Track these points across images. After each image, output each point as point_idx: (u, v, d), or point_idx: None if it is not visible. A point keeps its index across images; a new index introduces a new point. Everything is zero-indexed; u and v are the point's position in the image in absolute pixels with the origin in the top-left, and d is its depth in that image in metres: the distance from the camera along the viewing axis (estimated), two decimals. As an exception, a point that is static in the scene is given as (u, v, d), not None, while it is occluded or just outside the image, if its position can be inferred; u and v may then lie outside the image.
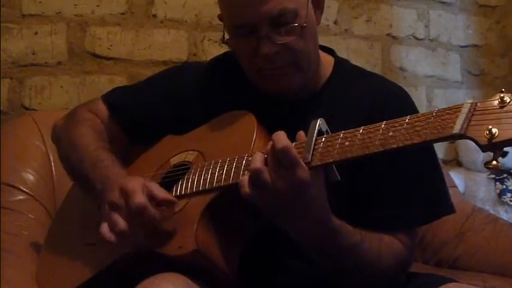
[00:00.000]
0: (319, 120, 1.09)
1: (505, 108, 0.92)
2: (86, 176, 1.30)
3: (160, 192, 1.18)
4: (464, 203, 2.21)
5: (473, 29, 2.85)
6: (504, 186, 2.52)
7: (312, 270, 1.26)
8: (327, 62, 1.37)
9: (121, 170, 1.28)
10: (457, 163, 2.73)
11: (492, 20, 2.90)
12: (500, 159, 0.93)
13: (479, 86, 2.85)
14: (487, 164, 0.93)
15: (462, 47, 2.82)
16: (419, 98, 2.65)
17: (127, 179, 1.21)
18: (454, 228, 2.09)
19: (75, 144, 1.37)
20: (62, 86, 2.04)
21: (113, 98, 1.46)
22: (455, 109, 0.96)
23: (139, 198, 1.15)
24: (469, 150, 2.58)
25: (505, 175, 2.54)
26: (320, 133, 1.08)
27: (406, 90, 1.37)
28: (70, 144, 1.39)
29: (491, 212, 2.34)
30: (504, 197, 2.50)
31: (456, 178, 2.46)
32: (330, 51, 1.40)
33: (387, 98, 1.31)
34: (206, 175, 1.20)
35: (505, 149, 0.94)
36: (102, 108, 1.45)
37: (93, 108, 1.46)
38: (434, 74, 2.74)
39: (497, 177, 2.54)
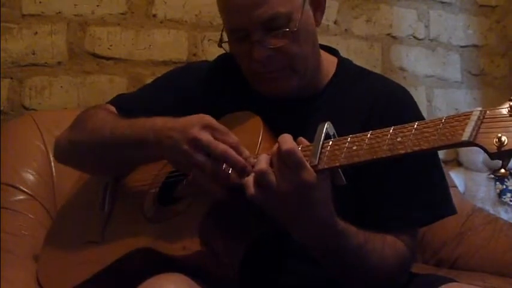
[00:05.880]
0: (326, 124, 1.08)
1: None
2: (127, 139, 1.24)
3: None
4: (464, 203, 2.21)
5: (473, 29, 2.84)
6: (504, 186, 2.52)
7: (314, 272, 1.26)
8: (330, 62, 1.36)
9: (164, 117, 1.21)
10: (457, 163, 2.72)
11: (492, 20, 2.90)
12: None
13: (479, 86, 2.84)
14: (495, 172, 0.94)
15: (462, 47, 2.82)
16: (419, 98, 2.64)
17: (196, 116, 1.16)
18: (454, 228, 2.08)
19: (98, 127, 1.32)
20: (62, 86, 2.04)
21: (118, 101, 1.45)
22: (465, 116, 0.95)
23: (234, 136, 1.13)
24: (469, 150, 2.57)
25: (505, 175, 2.54)
26: (327, 136, 1.07)
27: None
28: (90, 131, 1.33)
29: (491, 212, 2.34)
30: (504, 197, 2.50)
31: (456, 178, 2.46)
32: (333, 51, 1.40)
33: (389, 98, 1.31)
34: None
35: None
36: (111, 108, 1.42)
37: (101, 106, 1.44)
38: (434, 74, 2.74)
39: (497, 177, 2.54)
